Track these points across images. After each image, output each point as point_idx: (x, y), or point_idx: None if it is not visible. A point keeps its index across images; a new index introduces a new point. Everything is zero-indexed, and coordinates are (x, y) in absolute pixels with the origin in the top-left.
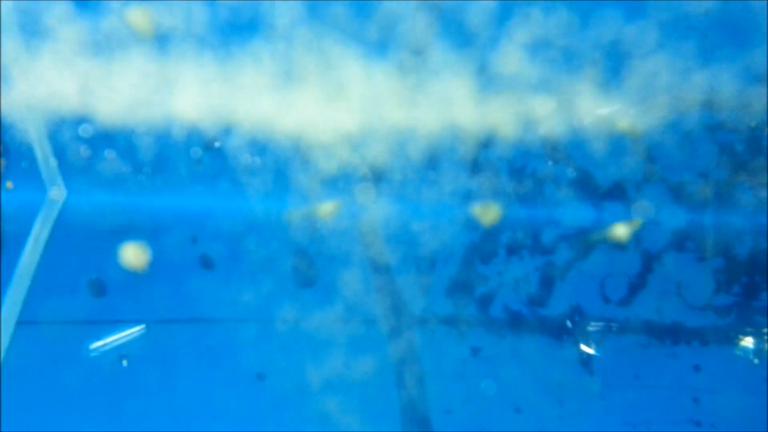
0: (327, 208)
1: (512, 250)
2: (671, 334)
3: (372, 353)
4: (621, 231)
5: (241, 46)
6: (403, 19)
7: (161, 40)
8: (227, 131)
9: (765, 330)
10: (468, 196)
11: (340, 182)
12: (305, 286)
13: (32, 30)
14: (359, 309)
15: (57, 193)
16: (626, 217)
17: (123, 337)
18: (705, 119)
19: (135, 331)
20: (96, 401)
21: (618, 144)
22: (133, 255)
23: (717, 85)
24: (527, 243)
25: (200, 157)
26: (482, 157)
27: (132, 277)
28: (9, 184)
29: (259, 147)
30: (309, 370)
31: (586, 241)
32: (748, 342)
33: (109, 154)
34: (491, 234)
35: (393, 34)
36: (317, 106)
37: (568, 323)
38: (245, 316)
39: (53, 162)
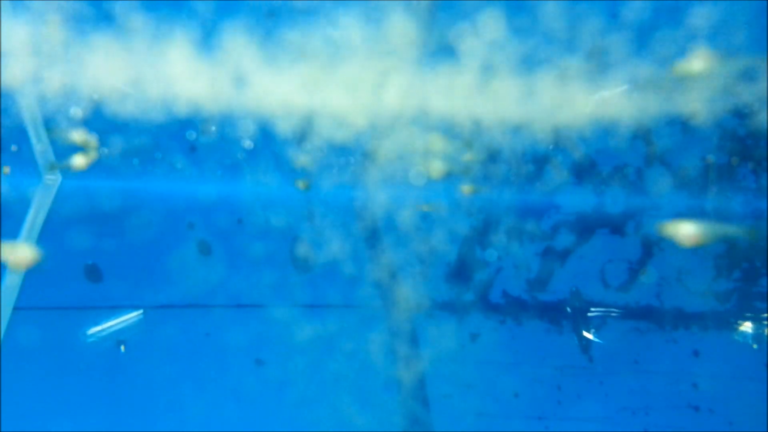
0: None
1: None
2: (671, 319)
3: (370, 339)
4: None
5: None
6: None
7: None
8: (225, 115)
9: (764, 315)
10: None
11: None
12: (304, 272)
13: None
14: (358, 295)
15: (52, 177)
16: (627, 203)
17: (120, 322)
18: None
19: (132, 316)
20: (93, 387)
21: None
22: None
23: None
24: (527, 229)
25: (198, 141)
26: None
27: (127, 262)
28: (6, 170)
29: (258, 131)
30: (308, 357)
31: None
32: (747, 327)
33: (105, 136)
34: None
35: None
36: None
37: (568, 309)
38: (243, 302)
39: (48, 146)
